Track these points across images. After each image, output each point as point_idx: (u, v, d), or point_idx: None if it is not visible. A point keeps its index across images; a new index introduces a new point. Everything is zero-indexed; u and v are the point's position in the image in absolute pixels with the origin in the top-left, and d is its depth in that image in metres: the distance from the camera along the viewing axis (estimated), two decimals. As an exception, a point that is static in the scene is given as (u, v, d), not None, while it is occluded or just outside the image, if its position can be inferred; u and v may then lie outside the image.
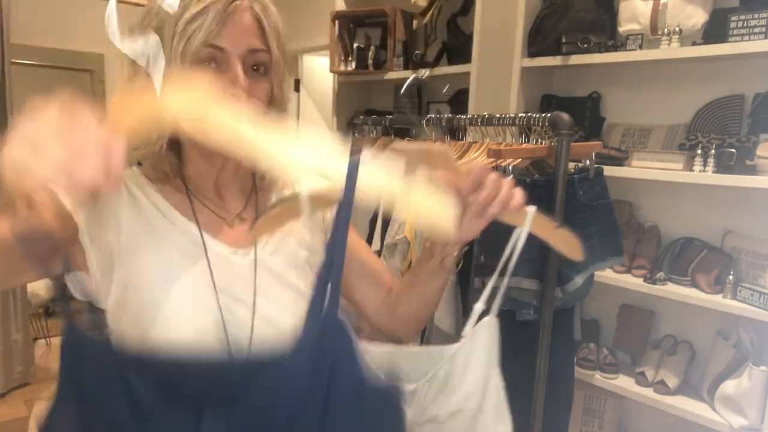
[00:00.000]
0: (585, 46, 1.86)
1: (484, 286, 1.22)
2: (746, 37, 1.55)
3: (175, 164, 0.81)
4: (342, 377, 0.62)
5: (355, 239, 0.92)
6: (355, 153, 0.63)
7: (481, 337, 0.73)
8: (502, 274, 0.76)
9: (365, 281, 0.90)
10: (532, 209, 0.70)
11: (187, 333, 0.74)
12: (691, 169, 1.67)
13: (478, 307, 0.74)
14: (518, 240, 0.72)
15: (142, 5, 0.78)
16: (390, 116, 1.87)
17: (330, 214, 0.91)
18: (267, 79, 0.78)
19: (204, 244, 0.78)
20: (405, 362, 0.74)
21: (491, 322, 0.74)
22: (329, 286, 0.62)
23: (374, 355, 0.72)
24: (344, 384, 0.62)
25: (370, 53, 2.76)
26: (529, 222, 0.70)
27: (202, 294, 0.76)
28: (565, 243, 0.71)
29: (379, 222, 1.56)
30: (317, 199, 0.72)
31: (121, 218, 0.75)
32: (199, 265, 0.77)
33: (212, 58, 0.73)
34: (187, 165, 0.82)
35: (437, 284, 0.84)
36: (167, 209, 0.79)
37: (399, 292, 0.88)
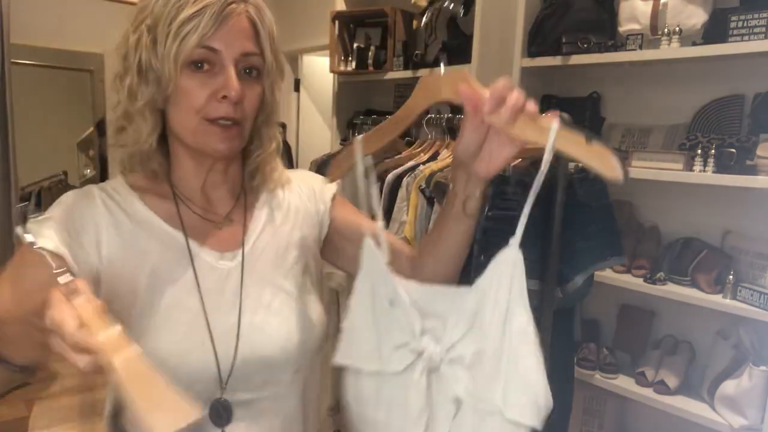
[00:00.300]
0: (585, 46, 1.86)
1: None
2: (746, 37, 1.54)
3: (163, 164, 0.81)
4: None
5: (364, 221, 0.92)
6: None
7: (503, 265, 0.67)
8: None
9: (393, 262, 0.82)
10: (555, 125, 0.62)
11: (174, 342, 0.74)
12: (691, 169, 1.67)
13: (515, 241, 0.67)
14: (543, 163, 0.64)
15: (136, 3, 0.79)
16: (390, 116, 1.87)
17: (323, 206, 0.92)
18: (259, 83, 0.78)
19: (190, 252, 0.79)
20: (439, 299, 0.70)
21: (515, 253, 0.67)
22: None
23: (410, 291, 0.71)
24: None
25: (370, 53, 2.75)
26: (552, 139, 0.61)
27: (189, 303, 0.76)
28: (599, 158, 0.61)
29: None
30: (369, 140, 0.77)
31: (102, 240, 0.75)
32: (185, 275, 0.78)
33: (205, 60, 0.73)
34: (175, 165, 0.82)
35: (461, 233, 0.78)
36: (152, 219, 0.79)
37: (423, 248, 0.84)
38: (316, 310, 0.86)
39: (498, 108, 0.62)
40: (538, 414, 0.68)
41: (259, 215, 0.86)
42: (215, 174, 0.83)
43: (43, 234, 0.69)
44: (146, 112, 0.75)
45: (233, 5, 0.73)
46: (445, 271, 0.82)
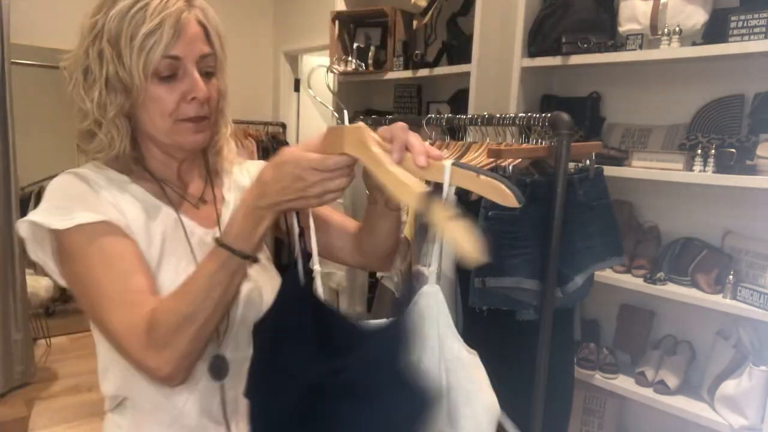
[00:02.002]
0: (585, 46, 1.86)
1: (484, 285, 1.22)
2: (746, 37, 1.55)
3: (139, 159, 0.88)
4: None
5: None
6: None
7: (425, 306, 0.72)
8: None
9: (339, 238, 0.97)
10: (448, 163, 0.67)
11: None
12: (691, 169, 1.67)
13: (432, 269, 0.72)
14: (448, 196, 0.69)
15: None
16: (390, 116, 1.87)
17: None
18: (216, 78, 0.87)
19: (183, 225, 0.88)
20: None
21: (434, 290, 0.72)
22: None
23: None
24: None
25: (370, 53, 2.76)
26: (447, 176, 0.67)
27: (188, 269, 0.82)
28: (491, 189, 0.65)
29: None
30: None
31: (122, 208, 0.83)
32: (182, 244, 0.87)
33: (170, 68, 0.80)
34: (148, 158, 0.90)
35: (390, 223, 0.88)
36: (146, 196, 0.87)
37: (360, 236, 0.95)
38: (278, 279, 0.92)
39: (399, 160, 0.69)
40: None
41: (228, 197, 0.96)
42: (187, 163, 0.93)
43: (74, 216, 0.76)
44: (117, 121, 0.82)
45: (185, 14, 0.80)
46: (384, 251, 0.94)
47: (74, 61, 0.83)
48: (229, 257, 0.73)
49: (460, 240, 0.62)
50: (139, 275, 0.77)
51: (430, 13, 2.50)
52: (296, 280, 0.79)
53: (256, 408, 0.80)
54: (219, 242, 0.74)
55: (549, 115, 1.28)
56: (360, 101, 3.12)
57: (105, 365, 0.86)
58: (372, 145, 0.69)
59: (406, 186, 0.67)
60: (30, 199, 3.82)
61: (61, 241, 0.77)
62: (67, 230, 0.76)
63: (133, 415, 0.85)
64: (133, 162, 0.87)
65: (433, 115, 1.64)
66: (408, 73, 2.60)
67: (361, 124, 0.72)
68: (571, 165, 1.36)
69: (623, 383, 1.84)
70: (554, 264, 1.26)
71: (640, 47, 1.80)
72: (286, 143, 4.37)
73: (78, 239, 0.76)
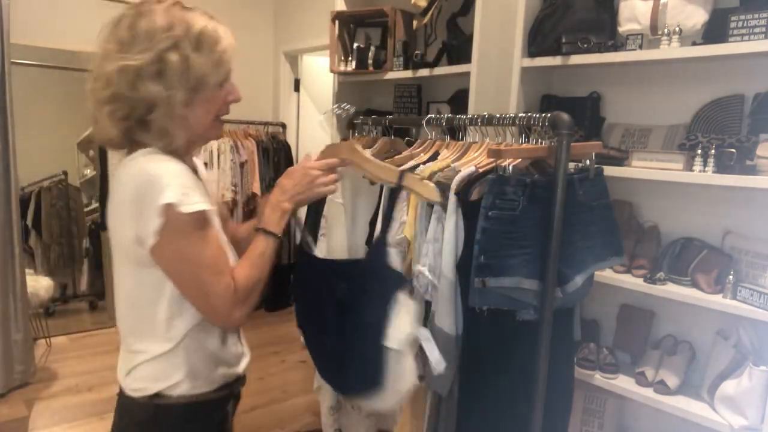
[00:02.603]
0: (585, 46, 1.86)
1: (484, 285, 1.22)
2: (746, 37, 1.55)
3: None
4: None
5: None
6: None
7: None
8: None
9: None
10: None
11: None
12: (691, 169, 1.67)
13: None
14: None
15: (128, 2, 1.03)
16: (390, 116, 1.87)
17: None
18: None
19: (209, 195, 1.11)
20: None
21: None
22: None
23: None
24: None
25: (370, 53, 2.76)
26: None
27: (221, 236, 1.07)
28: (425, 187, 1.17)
29: (380, 222, 1.56)
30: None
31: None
32: (214, 212, 1.07)
33: (227, 77, 1.05)
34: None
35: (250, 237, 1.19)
36: (194, 178, 1.06)
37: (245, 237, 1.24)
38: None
39: None
40: None
41: (203, 177, 1.19)
42: (190, 155, 1.15)
43: (196, 202, 0.96)
44: (183, 121, 0.99)
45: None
46: None
47: (138, 63, 0.95)
48: (272, 239, 1.10)
49: (427, 192, 1.17)
50: (224, 249, 1.05)
51: (430, 13, 2.50)
52: (306, 253, 1.36)
53: (313, 319, 1.36)
54: (262, 230, 1.11)
55: (549, 115, 1.28)
56: (360, 101, 3.12)
57: (173, 314, 1.03)
58: (360, 149, 1.21)
59: (388, 169, 1.19)
60: (30, 199, 3.82)
61: (178, 219, 0.94)
62: (189, 213, 0.95)
63: (188, 349, 1.05)
64: (174, 152, 1.03)
65: (433, 115, 1.64)
66: (408, 73, 2.60)
67: (351, 140, 1.20)
68: (571, 165, 1.36)
69: (623, 383, 1.84)
70: (554, 264, 1.26)
71: (640, 47, 1.80)
72: (286, 143, 4.37)
73: (194, 221, 0.97)
